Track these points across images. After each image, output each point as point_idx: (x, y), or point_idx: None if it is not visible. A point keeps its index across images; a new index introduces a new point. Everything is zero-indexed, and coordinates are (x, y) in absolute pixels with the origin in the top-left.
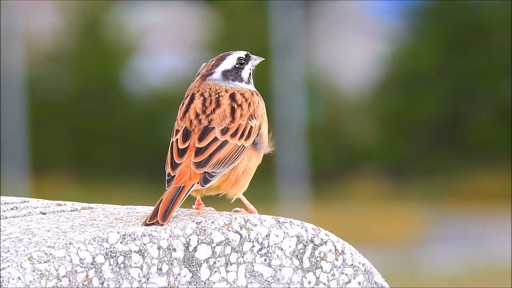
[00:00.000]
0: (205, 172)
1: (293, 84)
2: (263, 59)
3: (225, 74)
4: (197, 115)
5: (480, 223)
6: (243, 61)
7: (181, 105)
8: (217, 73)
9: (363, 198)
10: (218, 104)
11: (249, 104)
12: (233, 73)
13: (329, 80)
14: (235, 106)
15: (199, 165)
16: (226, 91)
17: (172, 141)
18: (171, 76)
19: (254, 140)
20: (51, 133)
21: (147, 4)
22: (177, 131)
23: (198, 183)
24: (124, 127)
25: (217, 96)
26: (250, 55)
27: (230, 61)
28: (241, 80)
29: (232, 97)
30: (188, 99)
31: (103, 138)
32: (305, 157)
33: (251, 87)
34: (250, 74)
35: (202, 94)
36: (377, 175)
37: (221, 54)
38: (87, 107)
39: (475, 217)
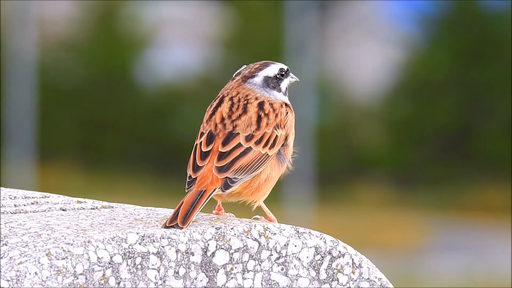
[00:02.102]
0: (226, 177)
1: (304, 85)
2: (298, 80)
3: (267, 81)
4: (222, 119)
5: (483, 235)
6: (283, 73)
7: (209, 106)
8: (259, 77)
9: (368, 203)
10: (244, 111)
11: (276, 114)
12: (274, 82)
13: (341, 83)
14: (262, 115)
15: (221, 169)
16: (256, 98)
17: (196, 144)
18: (183, 70)
19: (279, 151)
20: (59, 121)
21: None
22: (202, 133)
23: (219, 188)
24: (133, 119)
25: (245, 102)
26: (289, 71)
27: (273, 69)
28: (279, 90)
29: (261, 105)
30: (217, 101)
31: (112, 129)
32: (312, 159)
33: (286, 99)
34: (286, 88)
35: (231, 98)
36: (383, 182)
37: (264, 61)
38: (98, 97)
39: (478, 229)
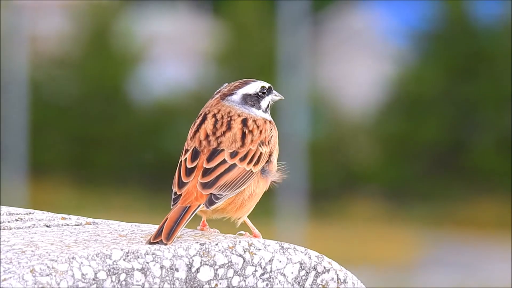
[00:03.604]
0: (211, 193)
1: (297, 100)
2: (283, 98)
3: (245, 98)
4: (206, 136)
5: (475, 250)
6: (265, 91)
7: (192, 124)
8: (238, 95)
9: (361, 218)
10: (229, 127)
11: (261, 131)
12: (253, 99)
13: (333, 99)
14: (246, 131)
15: (205, 185)
16: (239, 115)
17: (181, 160)
18: (176, 86)
19: (263, 167)
20: (52, 137)
21: (155, 13)
22: (186, 150)
23: (204, 204)
24: (126, 135)
25: (229, 119)
26: (272, 89)
27: (253, 87)
28: (259, 107)
29: (244, 122)
30: (200, 118)
31: (105, 145)
32: (305, 174)
33: (268, 116)
34: (268, 106)
35: (214, 115)
36: (376, 197)
37: (245, 79)
38: (91, 113)
39: (471, 244)
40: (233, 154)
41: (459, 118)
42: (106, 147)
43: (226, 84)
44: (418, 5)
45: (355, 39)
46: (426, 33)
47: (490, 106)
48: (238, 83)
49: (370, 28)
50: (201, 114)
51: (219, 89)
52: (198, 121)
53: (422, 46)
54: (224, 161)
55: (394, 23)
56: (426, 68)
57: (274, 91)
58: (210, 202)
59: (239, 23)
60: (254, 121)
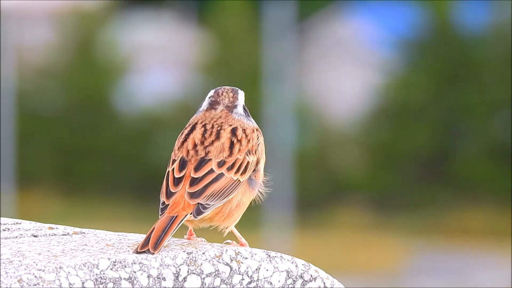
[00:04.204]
0: (198, 203)
1: (283, 110)
2: None
3: (244, 109)
4: (194, 145)
5: (462, 257)
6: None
7: (180, 134)
8: (240, 106)
9: (348, 227)
10: (217, 137)
11: (249, 140)
12: (246, 108)
13: (320, 107)
14: (235, 141)
15: (193, 195)
16: (230, 125)
17: (168, 171)
18: (161, 96)
19: (250, 176)
20: (39, 148)
21: (141, 23)
22: (174, 161)
23: (191, 213)
24: (112, 145)
25: (219, 128)
26: None
27: (243, 96)
28: (248, 115)
29: (233, 131)
30: (188, 129)
31: (91, 155)
32: (292, 183)
33: (254, 123)
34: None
35: (204, 126)
36: (362, 206)
37: (230, 88)
38: (77, 123)
39: (458, 252)
40: (221, 164)
41: (446, 126)
42: (92, 157)
43: (213, 91)
44: (404, 14)
45: (341, 47)
46: (412, 41)
47: (477, 114)
48: (231, 93)
49: (356, 37)
50: (191, 124)
51: (213, 99)
52: (186, 131)
53: (408, 54)
54: (211, 171)
55: (380, 31)
56: (412, 76)
57: None
58: (198, 212)
59: (224, 33)
60: (244, 130)
